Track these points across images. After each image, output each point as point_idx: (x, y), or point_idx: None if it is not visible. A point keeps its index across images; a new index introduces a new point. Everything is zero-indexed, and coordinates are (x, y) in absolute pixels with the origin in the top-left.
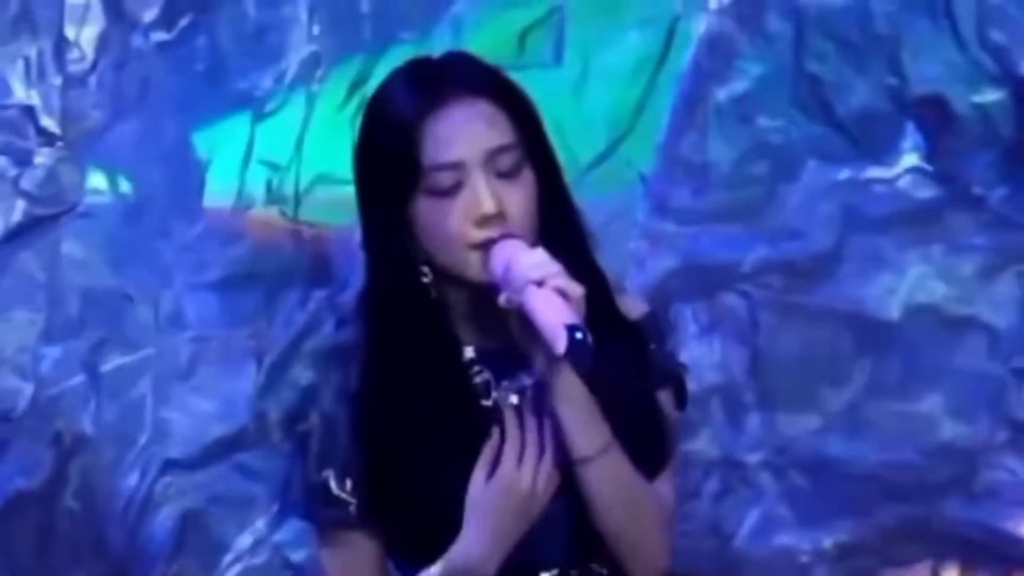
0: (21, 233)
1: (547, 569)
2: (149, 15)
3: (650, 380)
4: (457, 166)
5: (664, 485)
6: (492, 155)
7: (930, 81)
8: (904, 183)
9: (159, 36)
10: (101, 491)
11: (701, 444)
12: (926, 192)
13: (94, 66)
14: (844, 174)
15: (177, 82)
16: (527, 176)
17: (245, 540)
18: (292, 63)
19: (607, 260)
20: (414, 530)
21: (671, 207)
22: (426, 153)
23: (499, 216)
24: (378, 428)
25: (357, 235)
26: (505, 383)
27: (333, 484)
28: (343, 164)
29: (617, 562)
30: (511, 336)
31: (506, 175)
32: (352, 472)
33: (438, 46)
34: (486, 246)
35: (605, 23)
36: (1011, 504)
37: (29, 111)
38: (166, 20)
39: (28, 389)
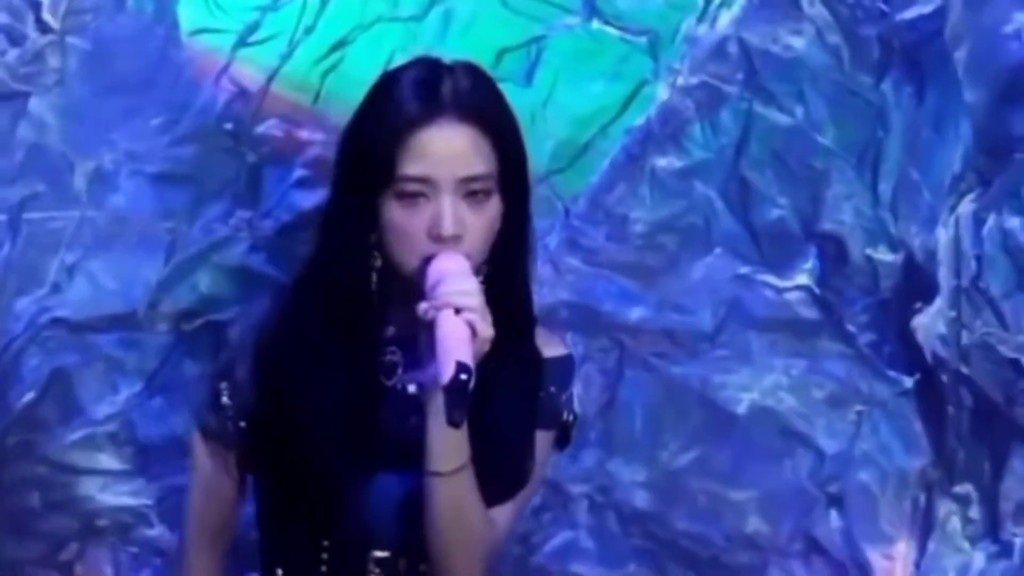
0: None
1: (381, 548)
2: None
3: (534, 418)
4: (427, 181)
5: (503, 513)
6: (464, 181)
7: (837, 222)
8: (791, 297)
9: None
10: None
11: None
12: (807, 312)
13: None
14: (743, 270)
15: None
16: (494, 203)
17: (102, 409)
18: None
19: None
20: (281, 475)
21: (581, 245)
22: (402, 162)
23: (455, 238)
24: (279, 371)
25: (296, 174)
26: (411, 372)
27: (224, 397)
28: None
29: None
30: None
31: (474, 199)
32: (241, 396)
33: (425, 32)
34: (427, 262)
35: (579, 67)
36: None
37: (35, 5)
38: None
39: None
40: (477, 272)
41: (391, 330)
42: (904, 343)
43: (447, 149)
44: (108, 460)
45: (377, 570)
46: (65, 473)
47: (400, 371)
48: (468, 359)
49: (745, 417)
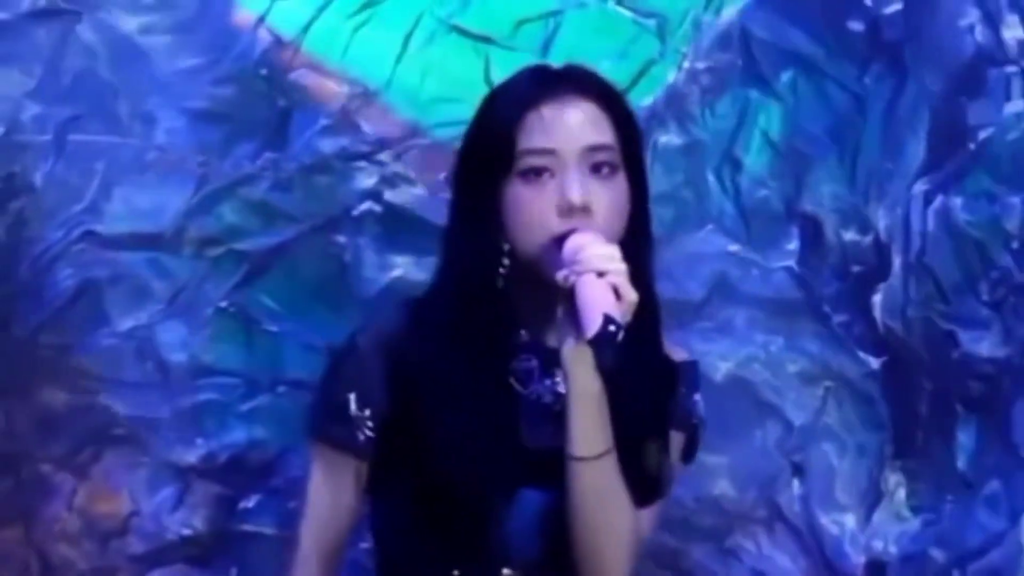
0: (44, 15)
1: (513, 567)
2: None
3: (670, 419)
4: (551, 153)
5: (644, 519)
6: (589, 151)
7: (817, 204)
8: (775, 277)
9: None
10: (27, 233)
11: None
12: (788, 292)
13: None
14: (732, 247)
15: None
16: (620, 180)
17: (126, 323)
18: None
19: None
20: (409, 491)
21: None
22: (524, 137)
23: (584, 210)
24: (409, 380)
25: (321, 122)
26: (548, 381)
27: (353, 406)
28: None
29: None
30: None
31: (599, 173)
32: (373, 405)
33: (444, 2)
34: (562, 239)
35: (591, 43)
36: (747, 571)
37: None
38: None
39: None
40: None
41: (524, 335)
42: (872, 325)
43: (568, 120)
44: (130, 372)
45: None
46: (89, 379)
47: (536, 379)
48: (616, 314)
49: (721, 385)
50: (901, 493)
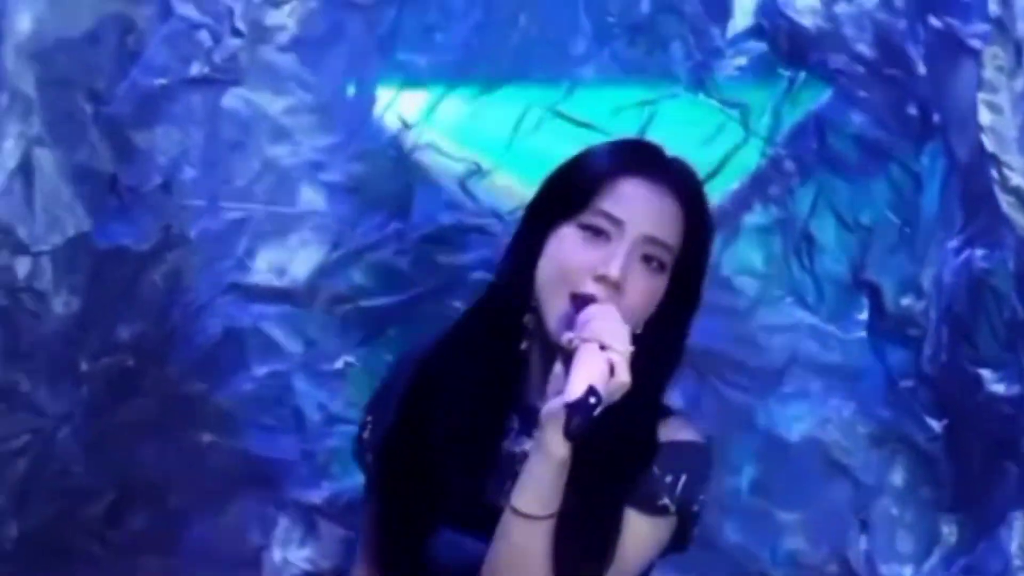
0: (201, 82)
1: None
2: None
3: (626, 495)
4: (619, 223)
5: None
6: (649, 241)
7: (878, 272)
8: (849, 346)
9: None
10: (182, 283)
11: None
12: (860, 360)
13: None
14: (810, 319)
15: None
16: (662, 280)
17: (262, 369)
18: None
19: None
20: (378, 509)
21: None
22: (600, 198)
23: (615, 286)
24: (412, 410)
25: (442, 197)
26: (524, 439)
27: (367, 430)
28: None
29: None
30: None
31: (647, 265)
32: (379, 431)
33: (555, 92)
34: (582, 302)
35: (682, 129)
36: None
37: (230, 12)
38: None
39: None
40: None
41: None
42: (933, 388)
43: (646, 203)
44: (266, 416)
45: None
46: (229, 421)
47: (512, 437)
48: (601, 389)
49: (797, 446)
50: (952, 541)
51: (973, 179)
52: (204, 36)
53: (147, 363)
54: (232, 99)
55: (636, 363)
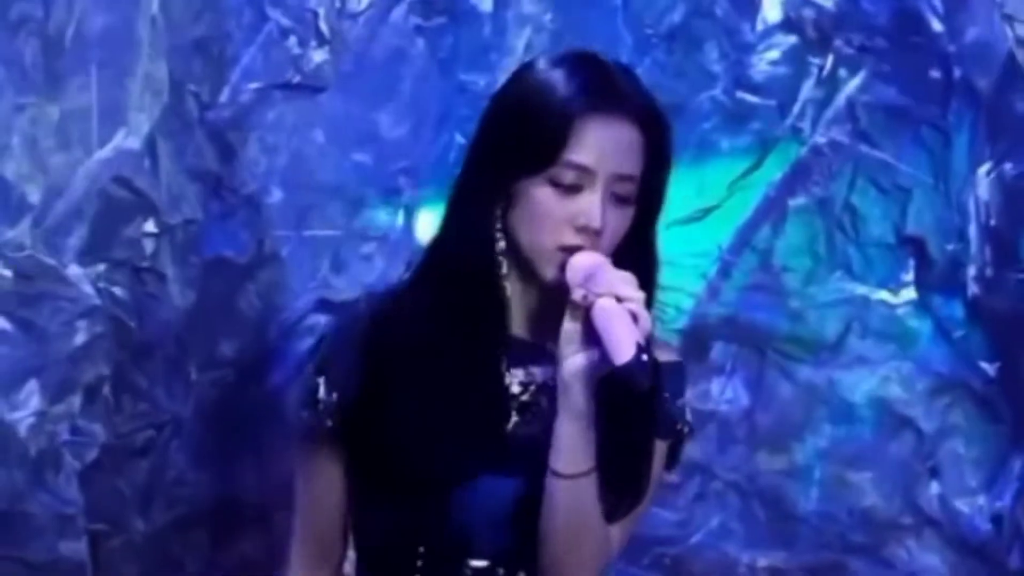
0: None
1: (478, 557)
2: None
3: (654, 426)
4: (588, 172)
5: (620, 529)
6: (617, 179)
7: (919, 228)
8: (901, 311)
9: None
10: (275, 300)
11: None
12: (914, 323)
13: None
14: (860, 290)
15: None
16: (630, 211)
17: None
18: None
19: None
20: (376, 476)
21: (731, 273)
22: (570, 148)
23: (598, 234)
24: (385, 362)
25: None
26: (515, 371)
27: (321, 391)
28: None
29: None
30: (543, 336)
31: (617, 201)
32: (340, 389)
33: None
34: (571, 251)
35: (721, 123)
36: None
37: (315, 15)
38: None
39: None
40: None
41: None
42: (986, 334)
43: (614, 143)
44: None
45: None
46: None
47: (509, 368)
48: (642, 341)
49: (861, 407)
50: (1018, 467)
51: (996, 107)
52: (292, 42)
53: (247, 380)
54: (322, 109)
55: None
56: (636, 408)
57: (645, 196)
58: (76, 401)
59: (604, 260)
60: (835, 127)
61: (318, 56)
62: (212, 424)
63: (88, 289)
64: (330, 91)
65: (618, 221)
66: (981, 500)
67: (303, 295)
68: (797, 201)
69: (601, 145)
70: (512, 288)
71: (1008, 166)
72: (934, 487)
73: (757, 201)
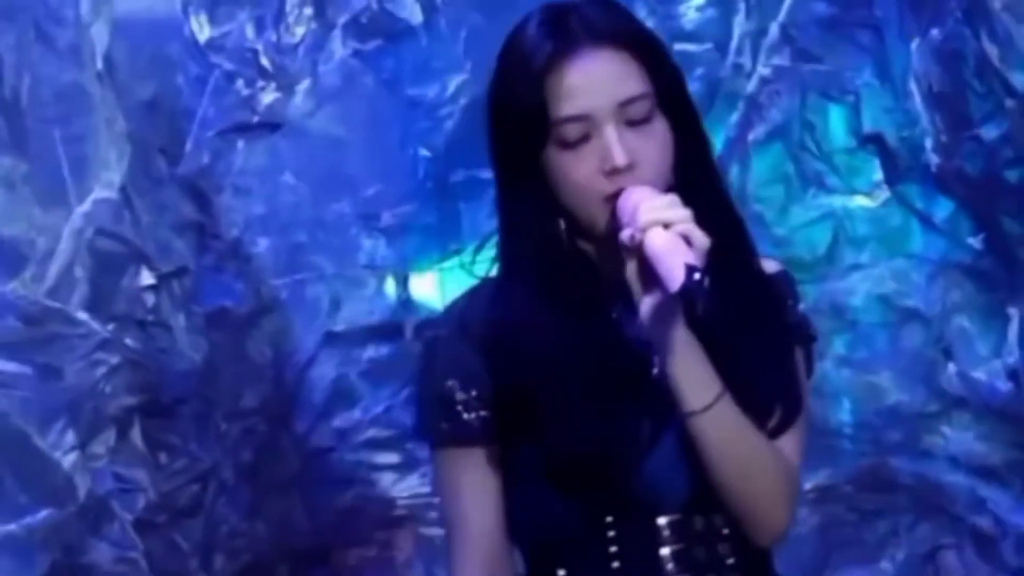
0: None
1: (667, 513)
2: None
3: (789, 334)
4: (585, 118)
5: (788, 444)
6: (622, 107)
7: (875, 125)
8: (881, 211)
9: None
10: (282, 342)
11: None
12: (895, 218)
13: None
14: (838, 201)
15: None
16: (659, 125)
17: (375, 408)
18: None
19: None
20: (537, 462)
21: None
22: (554, 106)
23: (630, 167)
24: (507, 354)
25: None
26: (633, 318)
27: (458, 393)
28: None
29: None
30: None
31: (637, 124)
32: (477, 385)
33: None
34: (617, 196)
35: None
36: (944, 460)
37: (255, 53)
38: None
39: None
40: None
41: (615, 314)
42: (962, 205)
43: (594, 79)
44: (391, 454)
45: (672, 536)
46: (362, 469)
47: (627, 324)
48: (694, 261)
49: (862, 307)
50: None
51: None
52: (240, 85)
53: (276, 425)
54: (284, 147)
55: (697, 213)
56: (761, 319)
57: (670, 109)
58: (111, 437)
59: (645, 193)
60: (775, 54)
61: (268, 96)
62: (252, 472)
63: (97, 326)
64: (287, 127)
65: (649, 143)
66: (996, 364)
67: (308, 335)
68: (756, 134)
69: (582, 87)
70: (596, 255)
71: (934, 32)
72: (951, 367)
73: (719, 145)
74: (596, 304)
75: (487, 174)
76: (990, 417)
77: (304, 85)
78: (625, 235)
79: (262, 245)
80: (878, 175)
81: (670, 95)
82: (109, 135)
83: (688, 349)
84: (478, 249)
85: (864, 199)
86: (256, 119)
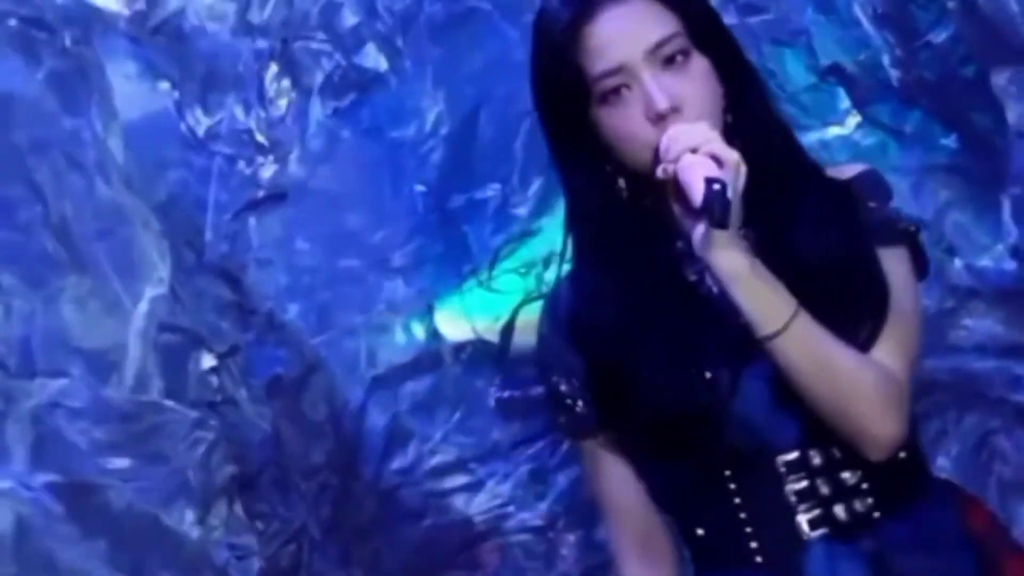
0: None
1: (782, 453)
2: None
3: (869, 238)
4: (620, 70)
5: (883, 352)
6: (654, 50)
7: (828, 55)
8: (856, 136)
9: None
10: (333, 397)
11: None
12: (870, 139)
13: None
14: (813, 136)
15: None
16: (698, 62)
17: (436, 435)
18: None
19: None
20: (646, 427)
21: None
22: (589, 65)
23: (675, 110)
24: (593, 330)
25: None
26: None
27: (563, 386)
28: None
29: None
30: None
31: (674, 67)
32: (577, 374)
33: None
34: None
35: None
36: (972, 351)
37: (250, 133)
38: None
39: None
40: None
41: (680, 245)
42: (933, 112)
43: (622, 29)
44: (458, 476)
45: (793, 475)
46: (432, 497)
47: (707, 280)
48: (718, 175)
49: None
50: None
51: None
52: (242, 166)
53: (346, 476)
54: (292, 216)
55: (754, 143)
56: (833, 229)
57: (708, 47)
58: (222, 509)
59: (677, 127)
60: (722, 14)
61: (268, 169)
62: (334, 525)
63: (185, 410)
64: (291, 196)
65: (690, 84)
66: (998, 248)
67: (355, 385)
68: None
69: (611, 40)
70: (662, 211)
71: None
72: (957, 262)
73: None
74: (666, 261)
75: (481, 194)
76: (1005, 299)
77: (296, 153)
78: (659, 170)
79: (292, 311)
80: (845, 103)
81: (704, 32)
82: (148, 236)
83: (752, 273)
84: (492, 265)
85: (838, 128)
86: (262, 194)
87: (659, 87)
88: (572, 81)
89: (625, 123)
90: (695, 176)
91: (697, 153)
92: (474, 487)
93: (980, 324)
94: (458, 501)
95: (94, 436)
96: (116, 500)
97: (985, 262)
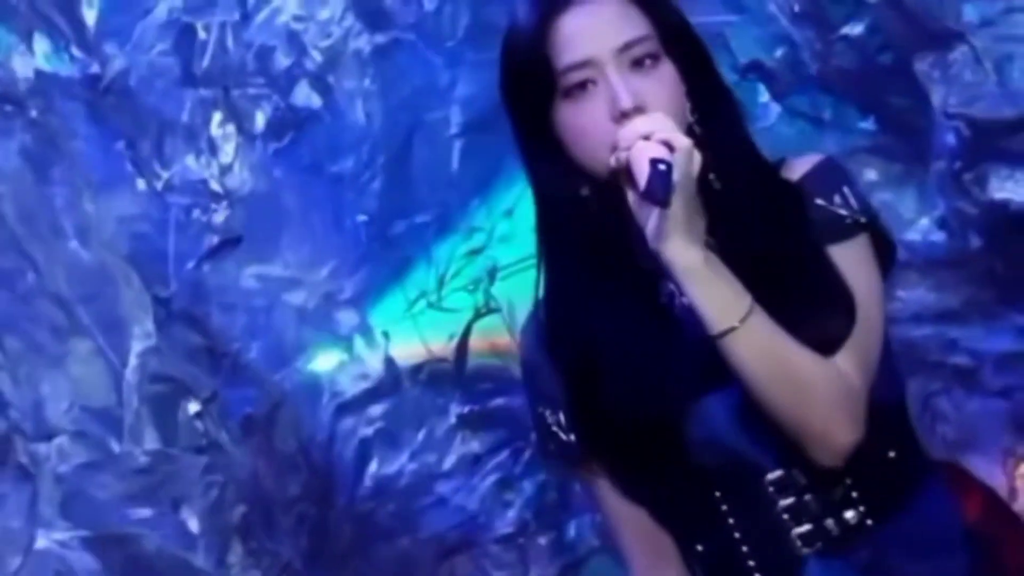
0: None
1: (767, 472)
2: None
3: (817, 240)
4: (587, 64)
5: (846, 359)
6: (623, 50)
7: (746, 53)
8: (776, 128)
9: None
10: (300, 429)
11: None
12: (790, 130)
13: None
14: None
15: None
16: (666, 68)
17: (403, 456)
18: None
19: None
20: (616, 449)
21: None
22: (556, 55)
23: (638, 111)
24: (571, 347)
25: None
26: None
27: (550, 416)
28: None
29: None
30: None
31: (642, 68)
32: (561, 403)
33: None
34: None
35: None
36: (909, 320)
37: (204, 183)
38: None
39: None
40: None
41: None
42: (850, 98)
43: (593, 25)
44: (427, 494)
45: (782, 494)
46: (406, 516)
47: (672, 294)
48: (664, 156)
49: None
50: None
51: None
52: (197, 214)
53: (321, 505)
54: (245, 259)
55: (721, 156)
56: (785, 234)
57: (677, 53)
58: (238, 548)
59: (635, 120)
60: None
61: (220, 215)
62: (315, 553)
63: (196, 457)
64: (244, 242)
65: (656, 87)
66: (924, 221)
67: (320, 414)
68: None
69: (582, 34)
70: (630, 227)
71: None
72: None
73: None
74: (632, 268)
75: (422, 217)
76: (934, 268)
77: (243, 195)
78: (612, 159)
79: (255, 349)
80: (765, 97)
81: (674, 37)
82: (130, 293)
83: (706, 267)
84: (439, 285)
85: (759, 122)
86: (216, 239)
87: (625, 86)
88: (537, 72)
89: (587, 120)
90: (643, 158)
91: (650, 140)
92: (443, 502)
93: (913, 294)
94: (430, 517)
95: (115, 490)
96: (147, 548)
97: (913, 235)
